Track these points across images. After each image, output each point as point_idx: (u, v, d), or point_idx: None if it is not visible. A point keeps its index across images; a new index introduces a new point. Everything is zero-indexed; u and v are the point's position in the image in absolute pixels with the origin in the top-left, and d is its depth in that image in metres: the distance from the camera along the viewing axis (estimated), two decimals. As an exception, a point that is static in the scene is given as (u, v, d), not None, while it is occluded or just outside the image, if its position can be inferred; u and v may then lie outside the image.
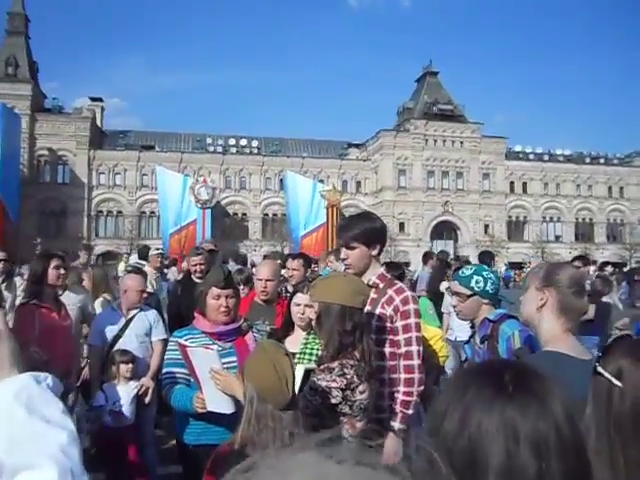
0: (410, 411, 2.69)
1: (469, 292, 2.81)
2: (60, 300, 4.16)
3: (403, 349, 2.70)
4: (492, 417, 0.82)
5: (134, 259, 9.61)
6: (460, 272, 2.98)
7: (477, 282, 2.81)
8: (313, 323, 2.45)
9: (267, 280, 3.81)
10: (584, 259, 7.11)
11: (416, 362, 2.71)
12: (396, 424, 2.64)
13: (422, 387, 2.73)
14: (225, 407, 2.56)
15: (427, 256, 8.70)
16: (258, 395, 1.82)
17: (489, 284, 2.82)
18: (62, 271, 4.04)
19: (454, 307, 2.96)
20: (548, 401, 0.83)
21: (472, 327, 2.95)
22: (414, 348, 2.71)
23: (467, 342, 3.08)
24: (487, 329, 2.76)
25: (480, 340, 2.79)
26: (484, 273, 2.87)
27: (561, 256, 42.02)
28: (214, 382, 2.55)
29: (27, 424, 0.78)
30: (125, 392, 3.85)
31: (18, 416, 0.79)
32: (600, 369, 1.07)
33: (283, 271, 5.05)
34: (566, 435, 0.80)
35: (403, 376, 2.69)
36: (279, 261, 6.48)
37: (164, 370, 2.95)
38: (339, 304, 2.29)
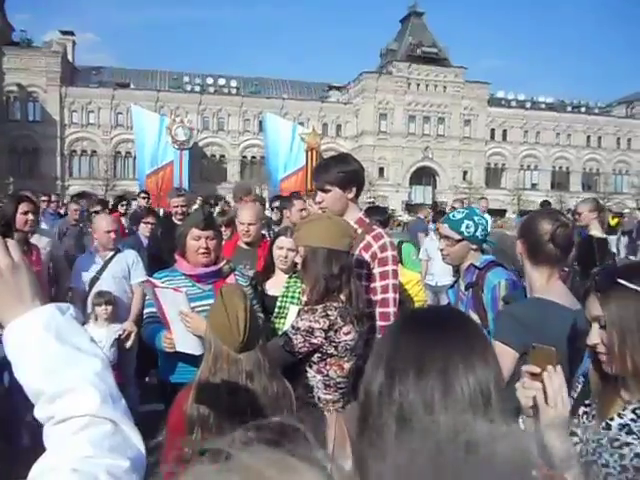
0: None
1: (458, 237, 2.71)
2: (31, 244, 4.06)
3: (379, 296, 2.69)
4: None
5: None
6: (451, 215, 2.84)
7: (467, 227, 2.70)
8: (299, 267, 2.42)
9: (249, 224, 3.77)
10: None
11: (392, 309, 2.70)
12: None
13: None
14: (194, 348, 2.58)
15: None
16: (214, 338, 1.84)
17: (479, 230, 2.73)
18: (30, 216, 3.92)
19: (441, 250, 2.83)
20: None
21: (456, 272, 2.92)
22: (390, 295, 2.70)
23: (451, 287, 3.01)
24: (472, 276, 2.70)
25: (465, 287, 2.73)
26: (475, 218, 2.75)
27: (536, 204, 42.58)
28: (184, 324, 2.56)
29: (60, 353, 0.80)
30: (106, 333, 3.85)
31: (50, 346, 0.80)
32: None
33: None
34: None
35: (379, 323, 2.69)
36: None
37: (145, 310, 2.95)
38: (325, 247, 2.26)
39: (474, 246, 2.75)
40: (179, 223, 5.03)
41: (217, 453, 0.39)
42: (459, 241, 2.72)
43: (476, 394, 0.82)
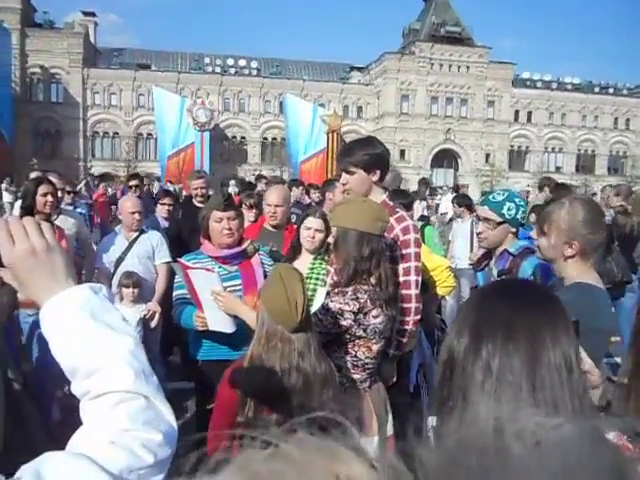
0: (405, 339, 2.73)
1: (500, 219, 2.61)
2: (55, 225, 4.11)
3: (401, 278, 2.71)
4: None
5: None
6: (491, 197, 2.74)
7: (509, 209, 2.61)
8: (331, 247, 2.45)
9: (276, 206, 3.78)
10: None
11: (413, 292, 2.72)
12: (391, 350, 2.69)
13: (418, 316, 2.75)
14: (226, 326, 2.66)
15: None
16: (269, 317, 1.88)
17: (520, 212, 2.64)
18: (50, 198, 3.96)
19: (479, 234, 2.73)
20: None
21: (484, 256, 2.86)
22: (412, 278, 2.72)
23: (481, 270, 2.92)
24: (506, 262, 2.63)
25: (497, 273, 2.65)
26: (516, 200, 2.66)
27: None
28: (216, 303, 2.60)
29: (95, 332, 0.83)
30: (132, 314, 3.91)
31: (86, 325, 0.82)
32: None
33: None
34: None
35: (400, 305, 2.70)
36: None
37: (175, 292, 2.99)
38: (357, 230, 2.28)
39: (513, 229, 2.67)
40: (199, 205, 5.08)
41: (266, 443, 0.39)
42: (499, 224, 2.64)
43: (561, 365, 0.86)
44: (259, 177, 9.15)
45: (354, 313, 2.24)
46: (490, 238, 2.69)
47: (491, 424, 0.39)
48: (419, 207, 9.45)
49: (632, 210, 5.64)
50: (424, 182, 11.04)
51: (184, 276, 2.71)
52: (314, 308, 2.59)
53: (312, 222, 3.07)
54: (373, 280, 2.31)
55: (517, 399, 0.82)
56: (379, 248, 2.34)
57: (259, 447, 0.39)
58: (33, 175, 7.13)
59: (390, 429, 2.41)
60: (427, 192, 9.88)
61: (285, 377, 1.81)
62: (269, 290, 1.91)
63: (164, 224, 5.39)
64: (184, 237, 4.70)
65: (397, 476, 0.34)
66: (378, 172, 2.79)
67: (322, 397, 1.86)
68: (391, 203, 2.89)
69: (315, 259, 3.03)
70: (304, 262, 3.05)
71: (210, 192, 5.74)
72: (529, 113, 54.11)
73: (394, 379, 2.73)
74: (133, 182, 7.22)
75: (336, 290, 2.32)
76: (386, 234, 2.70)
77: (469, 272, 6.45)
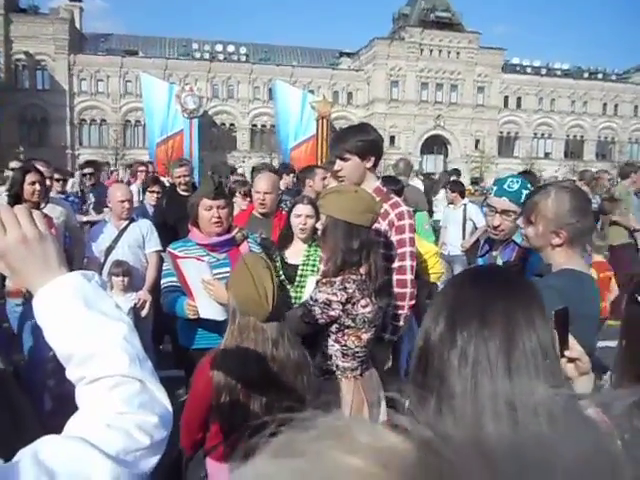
0: (400, 323, 2.74)
1: (520, 209, 2.42)
2: (43, 213, 4.08)
3: (396, 264, 2.72)
4: None
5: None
6: (506, 186, 2.54)
7: (527, 197, 2.41)
8: (319, 234, 2.43)
9: (265, 193, 3.76)
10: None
11: (409, 277, 2.73)
12: (386, 335, 2.71)
13: (413, 301, 2.76)
14: (217, 314, 2.67)
15: None
16: (239, 308, 1.86)
17: None
18: (37, 187, 3.93)
19: (496, 227, 2.53)
20: None
21: (487, 241, 2.79)
22: (407, 263, 2.73)
23: (482, 256, 2.81)
24: (512, 253, 2.56)
25: (503, 264, 2.53)
26: (528, 185, 2.53)
27: (549, 173, 41.94)
28: (206, 291, 2.61)
29: (89, 318, 0.83)
30: (122, 302, 3.88)
31: (80, 312, 0.83)
32: None
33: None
34: None
35: (395, 290, 2.71)
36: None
37: (163, 280, 2.98)
38: (346, 221, 2.26)
39: None
40: (183, 193, 5.07)
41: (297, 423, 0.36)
42: (521, 213, 2.45)
43: (536, 350, 0.86)
44: (283, 166, 8.99)
45: (342, 303, 2.23)
46: (507, 230, 2.54)
47: (506, 400, 0.36)
48: (445, 196, 8.38)
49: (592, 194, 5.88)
50: (455, 172, 10.20)
51: (174, 265, 2.71)
52: (304, 297, 2.57)
53: (301, 209, 3.05)
54: (363, 271, 2.29)
55: (494, 383, 0.85)
56: (368, 240, 2.32)
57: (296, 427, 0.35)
58: (12, 165, 7.03)
59: (384, 414, 2.42)
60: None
61: (260, 365, 1.80)
62: (236, 281, 1.87)
63: (152, 212, 5.36)
64: (169, 225, 4.68)
65: (433, 449, 0.32)
66: (372, 158, 2.78)
67: (296, 383, 1.85)
68: (385, 189, 2.89)
69: (310, 246, 3.01)
70: (298, 250, 3.04)
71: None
72: (518, 99, 54.23)
73: (389, 364, 2.75)
74: (88, 170, 7.04)
75: (324, 280, 2.30)
76: (381, 220, 2.70)
77: (462, 258, 6.47)
